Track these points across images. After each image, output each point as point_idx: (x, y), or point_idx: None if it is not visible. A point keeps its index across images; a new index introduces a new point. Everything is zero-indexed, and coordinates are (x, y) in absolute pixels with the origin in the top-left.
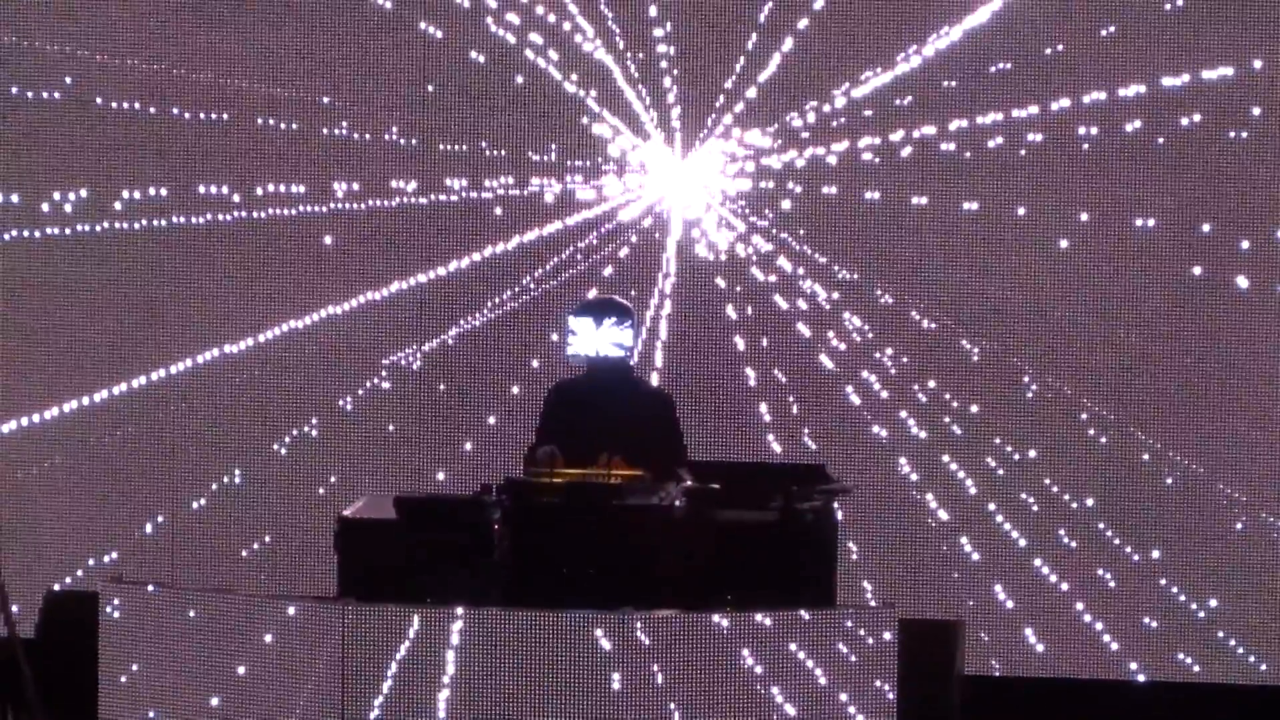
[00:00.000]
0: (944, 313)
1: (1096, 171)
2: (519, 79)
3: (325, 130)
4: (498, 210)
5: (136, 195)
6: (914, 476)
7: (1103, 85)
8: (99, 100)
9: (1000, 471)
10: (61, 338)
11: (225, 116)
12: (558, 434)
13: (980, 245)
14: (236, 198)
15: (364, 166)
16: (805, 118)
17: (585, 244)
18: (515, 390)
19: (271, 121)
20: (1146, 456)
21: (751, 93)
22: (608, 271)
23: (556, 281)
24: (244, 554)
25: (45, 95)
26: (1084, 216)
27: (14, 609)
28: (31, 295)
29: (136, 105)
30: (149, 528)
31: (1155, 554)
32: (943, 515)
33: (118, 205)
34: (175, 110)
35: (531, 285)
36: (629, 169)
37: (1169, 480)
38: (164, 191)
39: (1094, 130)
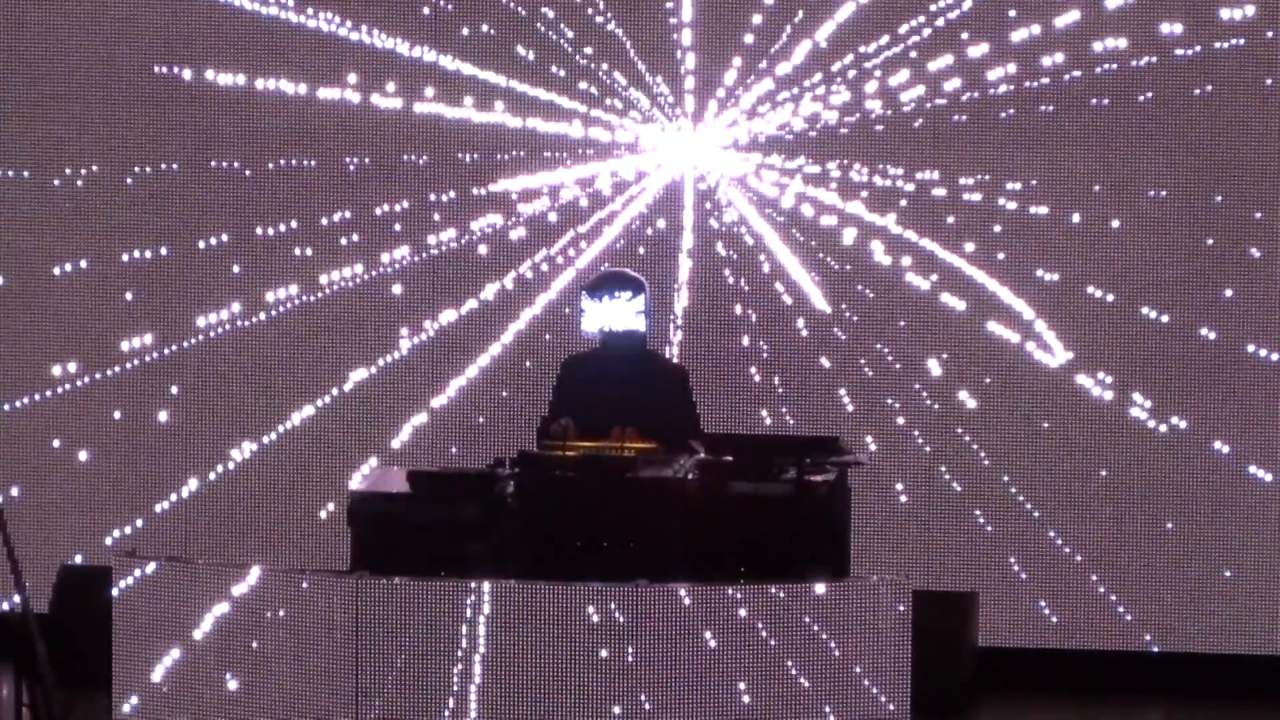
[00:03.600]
0: (956, 285)
1: (1108, 142)
2: (531, 53)
3: (336, 103)
4: (510, 183)
5: (148, 170)
6: (927, 448)
7: (1114, 56)
8: (109, 78)
9: (1013, 443)
10: (74, 313)
11: (239, 80)
12: (571, 407)
13: (992, 216)
14: (249, 172)
15: (376, 141)
16: (816, 89)
17: (598, 217)
18: (528, 364)
19: (285, 90)
20: (1164, 429)
21: (763, 64)
22: (621, 245)
23: (570, 255)
24: (257, 528)
25: (58, 69)
26: (1096, 188)
27: (27, 584)
28: (43, 270)
29: (147, 80)
30: (163, 503)
31: (1169, 525)
32: (956, 487)
33: (129, 180)
34: (187, 74)
35: (544, 260)
36: (643, 141)
37: (1183, 451)
38: (175, 165)
39: (1105, 101)
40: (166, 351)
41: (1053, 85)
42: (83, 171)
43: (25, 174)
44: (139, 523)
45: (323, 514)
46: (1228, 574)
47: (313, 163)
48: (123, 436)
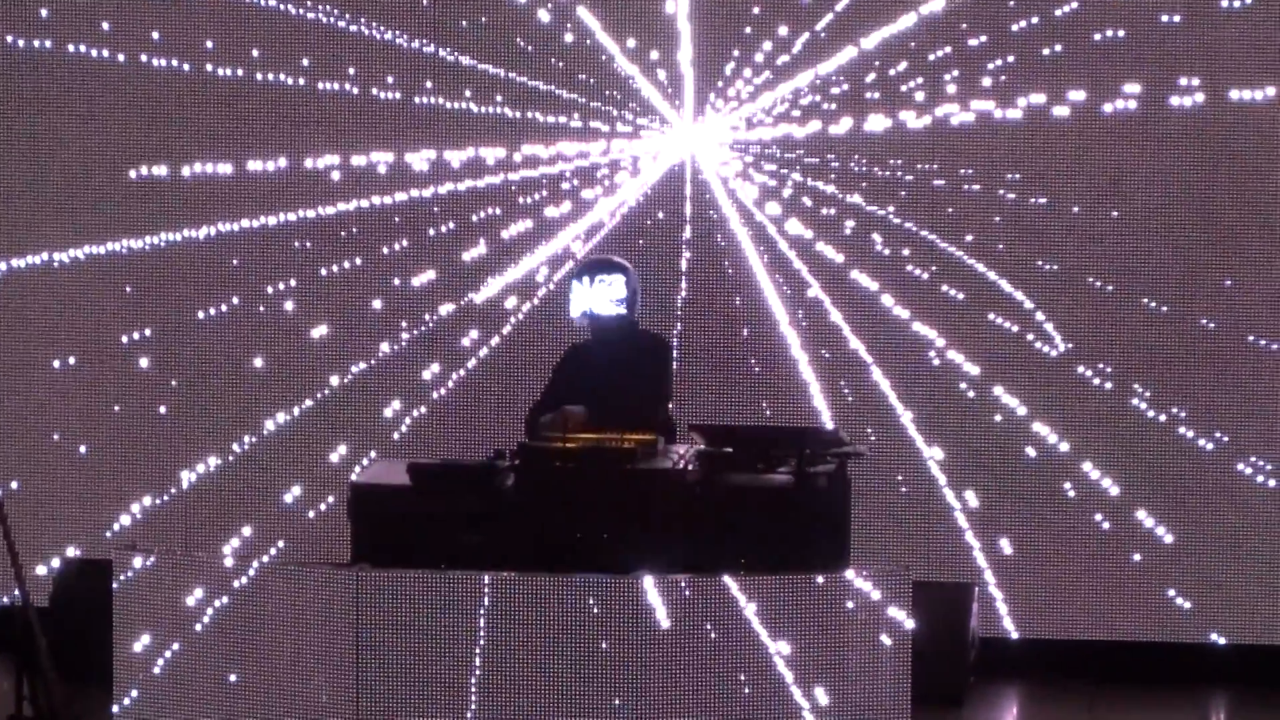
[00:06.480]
0: (956, 275)
1: (1108, 132)
2: (530, 45)
3: (336, 96)
4: (510, 176)
5: (143, 171)
6: (927, 439)
7: (1112, 46)
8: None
9: (1013, 433)
10: (73, 305)
11: (238, 73)
12: (562, 394)
13: (991, 207)
14: (248, 165)
15: (375, 134)
16: (816, 80)
17: (597, 210)
18: (527, 356)
19: (285, 82)
20: (1164, 419)
21: (762, 55)
22: (620, 236)
23: (568, 247)
24: (257, 520)
25: (56, 63)
26: (1095, 178)
27: (27, 576)
28: (42, 262)
29: (145, 73)
30: (162, 495)
31: (1169, 515)
32: (954, 477)
33: (131, 174)
34: (186, 67)
35: (543, 252)
36: (642, 132)
37: (1183, 441)
38: (174, 158)
39: (1105, 91)
40: (166, 344)
41: (1052, 75)
42: (81, 164)
43: (24, 166)
44: (139, 515)
45: (323, 506)
46: (1225, 563)
47: (312, 155)
48: (122, 429)
